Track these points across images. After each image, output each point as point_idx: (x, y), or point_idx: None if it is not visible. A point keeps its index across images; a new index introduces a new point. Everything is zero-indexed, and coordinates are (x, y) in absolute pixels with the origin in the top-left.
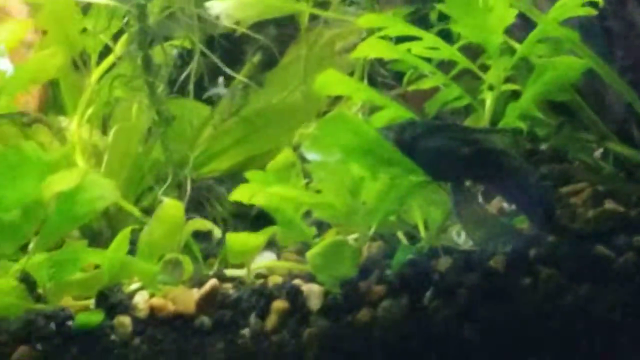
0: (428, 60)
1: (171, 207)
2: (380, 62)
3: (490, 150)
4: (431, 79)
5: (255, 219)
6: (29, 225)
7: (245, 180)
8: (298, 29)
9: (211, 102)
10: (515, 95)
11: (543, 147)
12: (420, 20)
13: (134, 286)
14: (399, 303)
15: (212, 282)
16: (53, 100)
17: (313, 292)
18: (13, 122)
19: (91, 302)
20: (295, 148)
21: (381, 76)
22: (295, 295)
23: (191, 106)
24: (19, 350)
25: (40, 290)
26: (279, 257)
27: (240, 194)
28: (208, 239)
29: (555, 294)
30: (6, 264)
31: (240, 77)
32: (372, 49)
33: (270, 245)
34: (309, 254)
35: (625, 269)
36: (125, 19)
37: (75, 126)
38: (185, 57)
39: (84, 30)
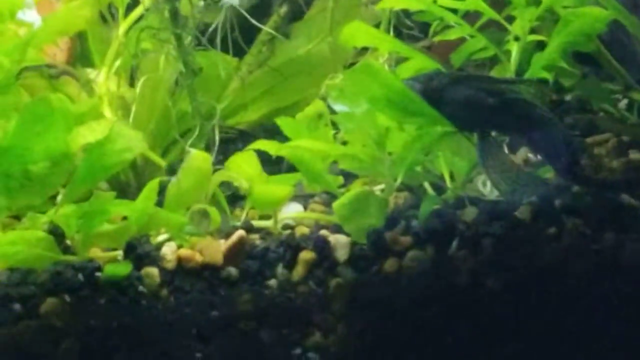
0: (454, 11)
1: (199, 158)
2: (406, 13)
3: (515, 101)
4: (457, 30)
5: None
6: (57, 177)
7: (275, 132)
8: None
9: (239, 54)
10: (540, 46)
11: (568, 97)
12: None
13: (161, 237)
14: (425, 253)
15: (240, 232)
16: (80, 53)
17: (340, 243)
18: (41, 74)
19: (119, 254)
20: (323, 99)
21: (407, 28)
22: (322, 246)
23: (218, 58)
24: (47, 301)
25: (68, 242)
26: (305, 208)
27: (267, 147)
28: (234, 189)
29: (579, 243)
30: (34, 215)
31: (266, 28)
32: (398, 0)
33: (297, 196)
34: (336, 205)
35: None
36: None
37: (103, 78)
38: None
39: None
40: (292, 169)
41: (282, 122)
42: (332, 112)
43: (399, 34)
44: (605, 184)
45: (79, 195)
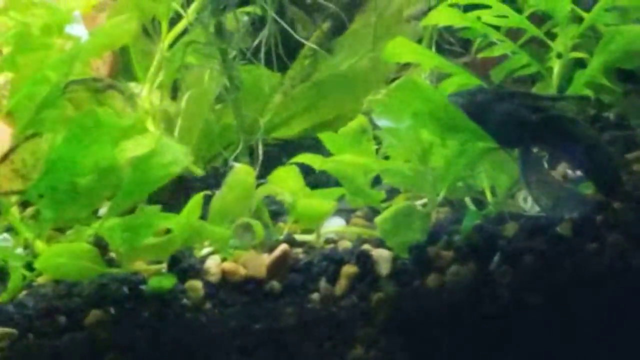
0: (497, 28)
1: (243, 172)
2: (447, 30)
3: (557, 117)
4: (500, 47)
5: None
6: (104, 189)
7: (317, 146)
8: None
9: (282, 69)
10: (581, 63)
11: (608, 114)
12: None
13: (205, 251)
14: (466, 268)
15: (283, 246)
16: (123, 67)
17: (382, 257)
18: (87, 87)
19: (163, 266)
20: (365, 114)
21: (448, 44)
22: (364, 260)
23: (262, 73)
24: (91, 314)
25: (113, 255)
26: (348, 222)
27: (310, 160)
28: (278, 203)
29: (621, 259)
30: (80, 228)
31: (309, 43)
32: (442, 17)
33: (339, 211)
34: (378, 219)
35: None
36: None
37: (147, 92)
38: (256, 24)
39: None
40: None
41: (325, 136)
42: (375, 127)
43: (440, 50)
44: None
45: (124, 208)
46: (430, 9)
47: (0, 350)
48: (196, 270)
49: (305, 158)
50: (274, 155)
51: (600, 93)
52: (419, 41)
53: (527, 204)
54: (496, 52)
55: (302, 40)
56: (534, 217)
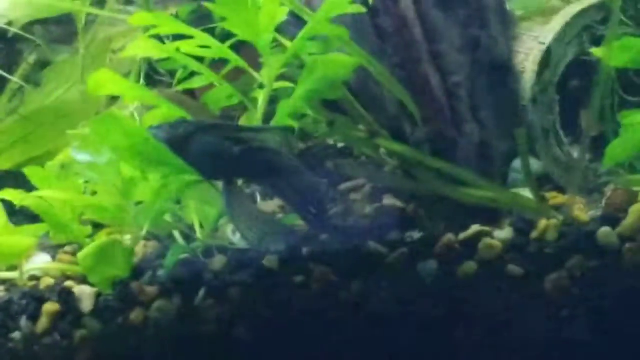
0: (200, 59)
1: None
2: (162, 61)
3: (260, 149)
4: (201, 78)
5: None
6: None
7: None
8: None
9: None
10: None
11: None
12: (205, 18)
13: None
14: (171, 303)
15: None
16: None
17: (85, 294)
18: None
19: None
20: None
21: (163, 75)
22: (66, 297)
23: None
24: None
25: None
26: (54, 258)
27: (11, 196)
28: None
29: (328, 291)
30: None
31: (15, 78)
32: (140, 48)
33: (46, 247)
34: (80, 255)
35: (395, 264)
36: None
37: None
38: None
39: None
40: None
41: (30, 171)
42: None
43: (152, 82)
44: (353, 230)
45: None
46: None
47: None
48: None
49: (7, 193)
50: None
51: (311, 124)
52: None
53: (236, 236)
54: (195, 83)
55: (6, 75)
56: (242, 250)
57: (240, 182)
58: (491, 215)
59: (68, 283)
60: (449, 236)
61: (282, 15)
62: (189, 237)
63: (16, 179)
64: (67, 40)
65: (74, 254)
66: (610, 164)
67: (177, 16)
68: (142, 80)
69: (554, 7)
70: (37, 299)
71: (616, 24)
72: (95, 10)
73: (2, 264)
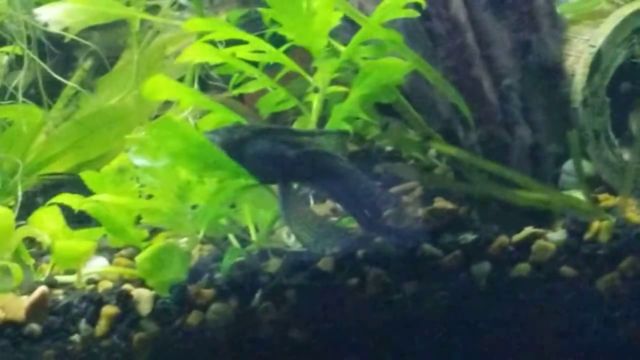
0: (255, 64)
1: (0, 214)
2: (214, 66)
3: (315, 153)
4: (256, 83)
5: None
6: None
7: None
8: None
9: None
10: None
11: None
12: (255, 22)
13: None
14: (228, 306)
15: (41, 289)
16: None
17: (142, 297)
18: None
19: None
20: (128, 152)
21: (214, 80)
22: (124, 300)
23: (24, 112)
24: None
25: None
26: (111, 262)
27: (68, 201)
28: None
29: (382, 293)
30: None
31: (71, 83)
32: (196, 54)
33: (103, 250)
34: (138, 258)
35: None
36: None
37: None
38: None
39: None
40: None
41: (86, 175)
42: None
43: (205, 87)
44: (407, 233)
45: None
46: None
47: None
48: None
49: (65, 198)
50: (39, 196)
51: (365, 127)
52: (182, 78)
53: (291, 239)
54: (250, 88)
55: (63, 80)
56: (296, 253)
57: (294, 185)
58: (543, 217)
59: (126, 286)
60: (503, 238)
61: (336, 20)
62: (244, 240)
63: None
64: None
65: (130, 257)
66: None
67: (227, 21)
68: (195, 86)
69: (603, 10)
70: (95, 302)
71: None
72: (149, 17)
73: (61, 267)
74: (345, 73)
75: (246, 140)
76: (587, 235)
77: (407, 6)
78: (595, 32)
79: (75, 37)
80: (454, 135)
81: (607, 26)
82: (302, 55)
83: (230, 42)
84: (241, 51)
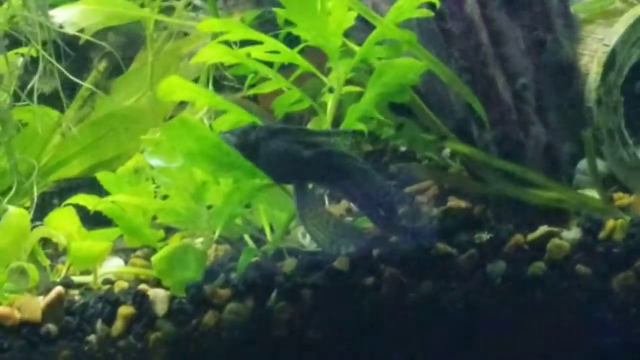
0: (270, 64)
1: (16, 215)
2: (228, 67)
3: (330, 153)
4: (271, 83)
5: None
6: None
7: (98, 186)
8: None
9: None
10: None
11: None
12: (269, 23)
13: None
14: (244, 306)
15: (58, 289)
16: None
17: (159, 297)
18: None
19: None
20: (144, 153)
21: (229, 80)
22: (140, 301)
23: (40, 114)
24: None
25: None
26: (127, 262)
27: (84, 202)
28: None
29: (398, 292)
30: None
31: (86, 84)
32: (211, 54)
33: (119, 251)
34: (154, 259)
35: (466, 265)
36: None
37: None
38: (29, 65)
39: None
40: None
41: (102, 176)
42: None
43: (220, 87)
44: (422, 232)
45: None
46: None
47: None
48: None
49: (80, 199)
50: (55, 197)
51: (380, 127)
52: (197, 79)
53: (306, 239)
54: (266, 88)
55: (78, 81)
56: (312, 253)
57: (310, 185)
58: (558, 216)
59: (142, 286)
60: (518, 237)
61: (351, 20)
62: (259, 240)
63: (88, 186)
64: (139, 48)
65: (146, 258)
66: None
67: (242, 22)
68: (210, 87)
69: (617, 10)
70: (112, 302)
71: None
72: (164, 18)
73: (77, 268)
74: (360, 73)
75: (261, 140)
76: (602, 234)
77: (421, 6)
78: (609, 32)
79: (91, 39)
80: (468, 135)
81: (621, 25)
82: (313, 57)
83: (245, 43)
84: (256, 52)
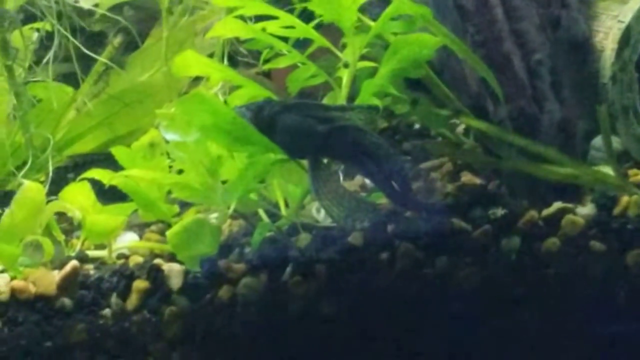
0: (285, 39)
1: (31, 189)
2: (242, 42)
3: (345, 128)
4: (286, 58)
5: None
6: None
7: (113, 161)
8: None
9: (75, 84)
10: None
11: (397, 123)
12: None
13: None
14: (258, 280)
15: (72, 263)
16: None
17: (173, 271)
18: None
19: None
20: (159, 128)
21: (242, 56)
22: (155, 275)
23: (54, 89)
24: None
25: None
26: (141, 237)
27: (99, 176)
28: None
29: (412, 267)
30: None
31: (102, 58)
32: (226, 29)
33: (134, 225)
34: (169, 233)
35: (480, 241)
36: None
37: None
38: (44, 40)
39: None
40: None
41: (117, 151)
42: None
43: (235, 63)
44: (437, 208)
45: None
46: None
47: None
48: None
49: (95, 173)
50: (70, 171)
51: (395, 103)
52: (212, 54)
53: (320, 214)
54: (281, 63)
55: (94, 55)
56: (326, 228)
57: (324, 160)
58: (572, 192)
59: (157, 261)
60: (532, 213)
61: None
62: (273, 215)
63: (103, 161)
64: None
65: (160, 232)
66: None
67: None
68: (225, 61)
69: None
70: (126, 276)
71: None
72: None
73: (92, 242)
74: (375, 49)
75: (276, 115)
76: (617, 210)
77: None
78: (624, 8)
79: (106, 13)
80: (483, 111)
81: (636, 2)
82: (328, 36)
83: (259, 18)
84: (271, 26)
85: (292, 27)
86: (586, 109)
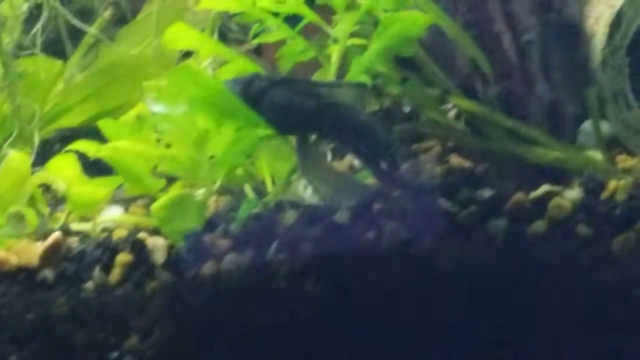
0: (275, 14)
1: (16, 159)
2: (233, 16)
3: (334, 104)
4: (275, 33)
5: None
6: None
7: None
8: None
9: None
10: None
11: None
12: None
13: None
14: (243, 256)
15: (55, 235)
16: None
17: (157, 246)
18: None
19: None
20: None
21: (232, 31)
22: (139, 249)
23: (42, 61)
24: None
25: None
26: (127, 211)
27: (84, 148)
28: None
29: (398, 247)
30: None
31: (92, 30)
32: (216, 2)
33: (120, 199)
34: (154, 207)
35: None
36: None
37: None
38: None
39: None
40: None
41: (104, 124)
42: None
43: (225, 38)
44: (424, 188)
45: None
46: None
47: None
48: None
49: (81, 145)
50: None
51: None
52: (203, 30)
53: (307, 192)
54: (270, 38)
55: (83, 27)
56: (313, 206)
57: (312, 137)
58: (560, 175)
59: (141, 235)
60: (519, 195)
61: None
62: (260, 192)
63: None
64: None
65: (146, 207)
66: None
67: None
68: (215, 36)
69: None
70: (110, 249)
71: None
72: None
73: (76, 214)
74: (366, 26)
75: (265, 90)
76: (604, 194)
77: None
78: None
79: None
80: (473, 91)
81: None
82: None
83: None
84: (262, 1)
85: (281, 1)
86: (576, 92)
